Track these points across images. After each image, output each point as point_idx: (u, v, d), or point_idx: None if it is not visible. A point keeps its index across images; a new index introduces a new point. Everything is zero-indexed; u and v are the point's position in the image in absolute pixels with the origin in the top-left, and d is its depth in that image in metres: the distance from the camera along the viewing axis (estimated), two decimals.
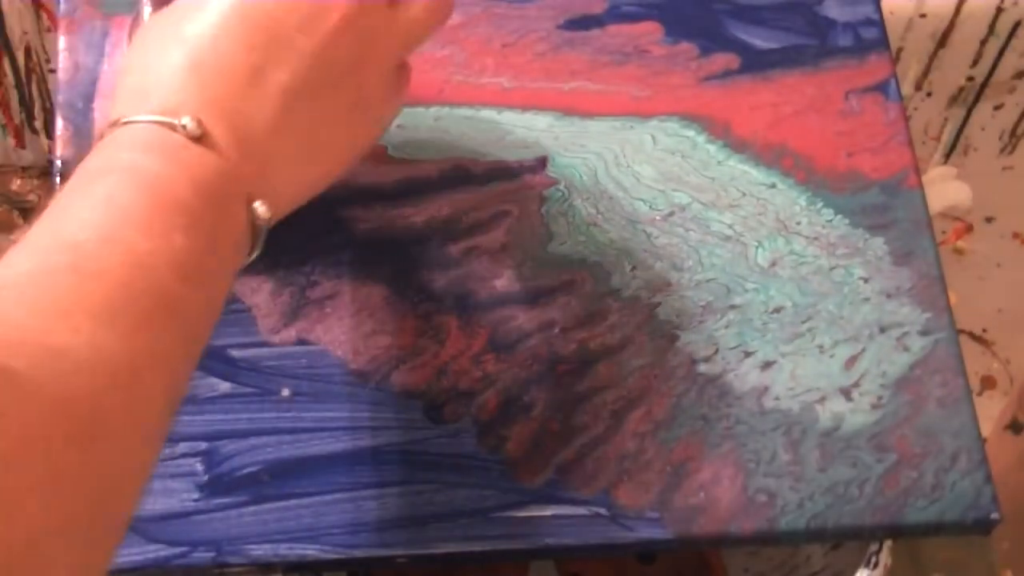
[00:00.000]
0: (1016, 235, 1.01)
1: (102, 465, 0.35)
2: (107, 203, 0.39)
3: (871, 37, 0.61)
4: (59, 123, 0.56)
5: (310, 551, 0.50)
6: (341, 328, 0.53)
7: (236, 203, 0.42)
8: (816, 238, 0.57)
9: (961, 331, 0.85)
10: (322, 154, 0.46)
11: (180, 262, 0.39)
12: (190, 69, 0.42)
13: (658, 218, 0.57)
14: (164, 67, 0.42)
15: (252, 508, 0.50)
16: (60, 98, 0.56)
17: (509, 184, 0.57)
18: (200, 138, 0.41)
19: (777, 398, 0.53)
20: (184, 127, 0.41)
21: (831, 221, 0.57)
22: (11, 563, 0.31)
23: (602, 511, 0.51)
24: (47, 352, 0.35)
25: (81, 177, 0.40)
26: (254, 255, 0.44)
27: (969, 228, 1.01)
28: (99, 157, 0.41)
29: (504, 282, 0.55)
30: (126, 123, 0.41)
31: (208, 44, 0.42)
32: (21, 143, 0.93)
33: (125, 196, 0.39)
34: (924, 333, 0.55)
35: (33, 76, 0.89)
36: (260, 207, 0.42)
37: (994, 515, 0.52)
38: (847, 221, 0.57)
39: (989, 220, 1.01)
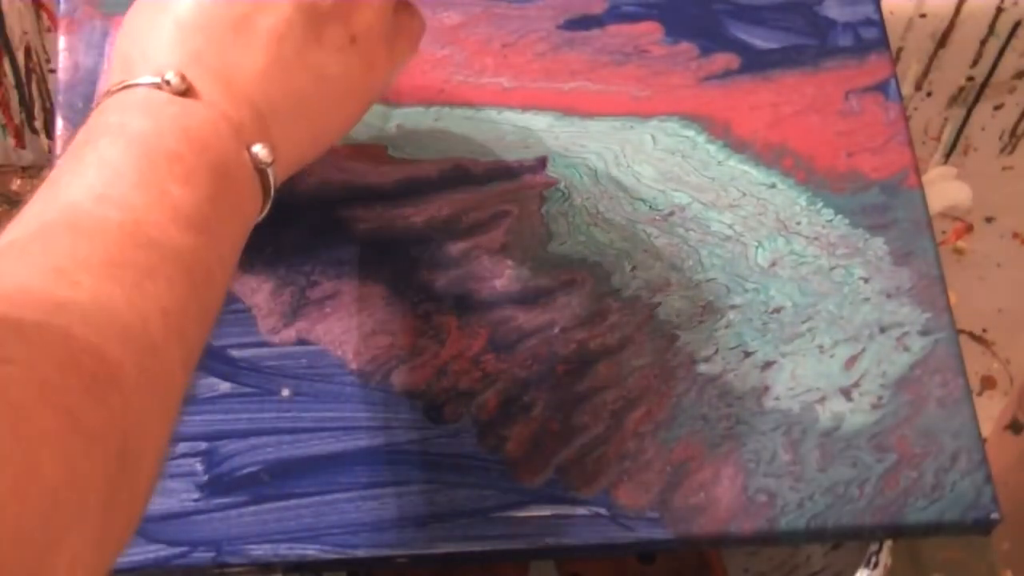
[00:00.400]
0: (1016, 235, 1.01)
1: (119, 418, 0.34)
2: (98, 164, 0.39)
3: (871, 37, 0.61)
4: (59, 123, 0.56)
5: (310, 551, 0.50)
6: (341, 328, 0.53)
7: (232, 149, 0.42)
8: (816, 238, 0.57)
9: (961, 331, 0.85)
10: (319, 103, 0.45)
11: (180, 212, 0.39)
12: (174, 30, 0.42)
13: (658, 218, 0.57)
14: (151, 35, 0.43)
15: (252, 508, 0.50)
16: (60, 98, 0.56)
17: (509, 184, 0.57)
18: (185, 92, 0.41)
19: (777, 398, 0.53)
20: (168, 83, 0.41)
21: (831, 221, 0.57)
22: (23, 515, 0.29)
23: (602, 511, 0.51)
24: (53, 306, 0.34)
25: (72, 147, 0.40)
26: (267, 207, 0.44)
27: (969, 228, 1.01)
28: (89, 126, 0.41)
29: (504, 282, 0.55)
30: (115, 91, 0.42)
31: (193, 4, 0.43)
32: (21, 143, 0.93)
33: (114, 155, 0.39)
34: (924, 333, 0.55)
35: (33, 76, 0.89)
36: (260, 150, 0.42)
37: (994, 515, 0.52)
38: (847, 221, 0.57)
39: (989, 220, 1.01)
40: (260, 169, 0.43)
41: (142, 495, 0.36)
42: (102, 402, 0.33)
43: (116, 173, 0.39)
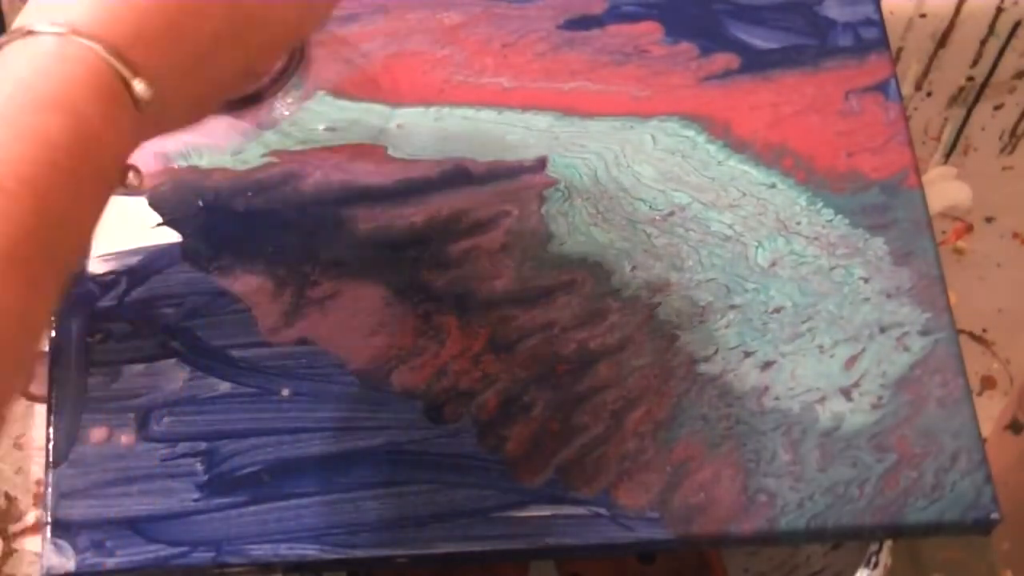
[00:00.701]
0: (1016, 235, 1.01)
1: None
2: (38, 144, 0.36)
3: (871, 37, 0.61)
4: None
5: (310, 551, 0.50)
6: (341, 328, 0.53)
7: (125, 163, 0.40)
8: (816, 238, 0.57)
9: (961, 331, 0.84)
10: (204, 29, 0.42)
11: (83, 220, 0.37)
12: (164, 13, 0.40)
13: (658, 218, 0.57)
14: None
15: (252, 508, 0.50)
16: None
17: (509, 184, 0.57)
18: (143, 105, 0.39)
19: (777, 398, 0.53)
20: (138, 92, 0.39)
21: (831, 221, 0.57)
22: None
23: (602, 511, 0.51)
24: None
25: (19, 95, 0.38)
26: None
27: (969, 228, 1.01)
28: (43, 76, 0.38)
29: (504, 282, 0.55)
30: (80, 40, 0.39)
31: None
32: None
33: (58, 140, 0.37)
34: (924, 333, 0.55)
35: None
36: (133, 178, 0.41)
37: (994, 515, 0.52)
38: (847, 221, 0.57)
39: (989, 220, 1.01)
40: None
41: None
42: None
43: None
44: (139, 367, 0.53)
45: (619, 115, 0.59)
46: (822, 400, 0.53)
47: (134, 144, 0.41)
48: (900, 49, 0.87)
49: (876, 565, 0.57)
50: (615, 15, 0.61)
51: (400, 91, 0.58)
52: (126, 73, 0.39)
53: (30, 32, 0.39)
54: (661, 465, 0.52)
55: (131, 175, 0.42)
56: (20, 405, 0.77)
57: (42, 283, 0.36)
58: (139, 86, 0.39)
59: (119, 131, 0.39)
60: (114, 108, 0.39)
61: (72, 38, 0.38)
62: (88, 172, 0.38)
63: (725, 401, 0.53)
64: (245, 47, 0.43)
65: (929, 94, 0.91)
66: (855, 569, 0.59)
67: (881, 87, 0.60)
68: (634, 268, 0.55)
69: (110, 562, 0.49)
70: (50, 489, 0.50)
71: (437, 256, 0.55)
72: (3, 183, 0.35)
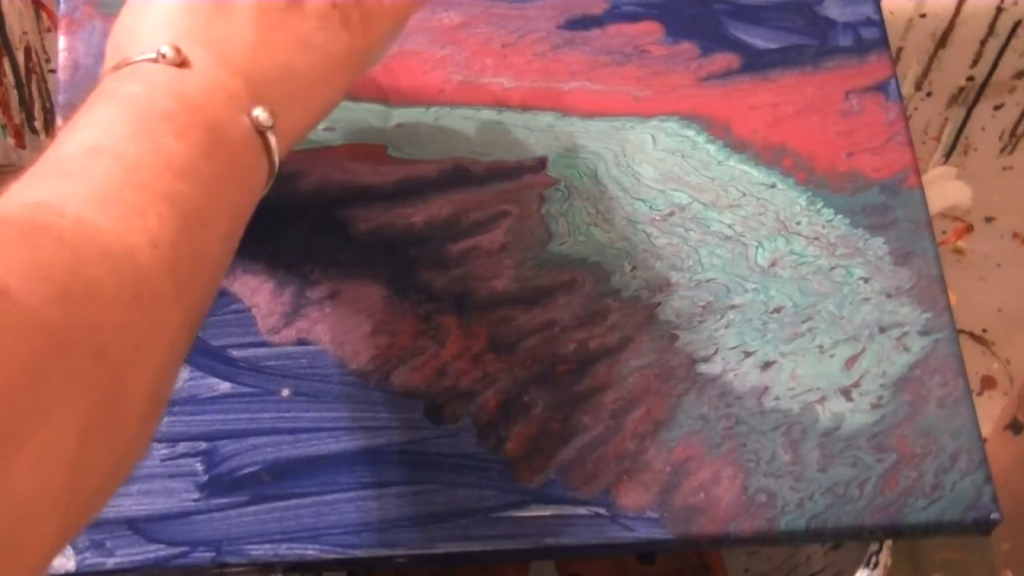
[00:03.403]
0: (1016, 235, 1.01)
1: (93, 328, 0.33)
2: (90, 123, 0.39)
3: (871, 37, 0.61)
4: (59, 123, 0.56)
5: (310, 551, 0.50)
6: (341, 328, 0.53)
7: (226, 113, 0.42)
8: (816, 238, 0.57)
9: (961, 331, 0.84)
10: (308, 71, 0.45)
11: (174, 162, 0.38)
12: (161, 14, 0.43)
13: (658, 218, 0.57)
14: (140, 21, 0.43)
15: (252, 508, 0.50)
16: (60, 98, 0.56)
17: (509, 184, 0.57)
18: (181, 64, 0.41)
19: (777, 398, 0.53)
20: (164, 56, 0.41)
21: (831, 221, 0.57)
22: None
23: (602, 511, 0.51)
24: (29, 228, 0.34)
25: (68, 123, 0.40)
26: (271, 178, 0.44)
27: (969, 228, 1.01)
28: (86, 103, 0.41)
29: (504, 282, 0.55)
30: (109, 71, 0.42)
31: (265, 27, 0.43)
32: (21, 143, 0.93)
33: (107, 114, 0.39)
34: (924, 333, 0.55)
35: (33, 76, 0.89)
36: (261, 113, 0.42)
37: (994, 515, 0.52)
38: (847, 221, 0.57)
39: (989, 220, 1.01)
40: (261, 132, 0.43)
41: (132, 413, 0.35)
42: (73, 310, 0.33)
43: (108, 128, 0.38)
44: None
45: (619, 115, 0.59)
46: (822, 400, 0.53)
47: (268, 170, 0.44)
48: (900, 49, 0.87)
49: (876, 565, 0.57)
50: (615, 15, 0.61)
51: (400, 91, 0.58)
52: (246, 104, 0.42)
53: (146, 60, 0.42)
54: (661, 465, 0.52)
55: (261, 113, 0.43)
56: None
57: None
58: (261, 113, 0.42)
59: (251, 170, 0.42)
60: (247, 139, 0.42)
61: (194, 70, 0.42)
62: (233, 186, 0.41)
63: (725, 401, 0.53)
64: (348, 76, 0.47)
65: (929, 94, 0.91)
66: (855, 569, 0.59)
67: (881, 87, 0.60)
68: (634, 268, 0.55)
69: (110, 562, 0.49)
70: None
71: (437, 256, 0.55)
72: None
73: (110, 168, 0.37)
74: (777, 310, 0.55)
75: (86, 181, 0.36)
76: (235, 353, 0.53)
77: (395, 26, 0.49)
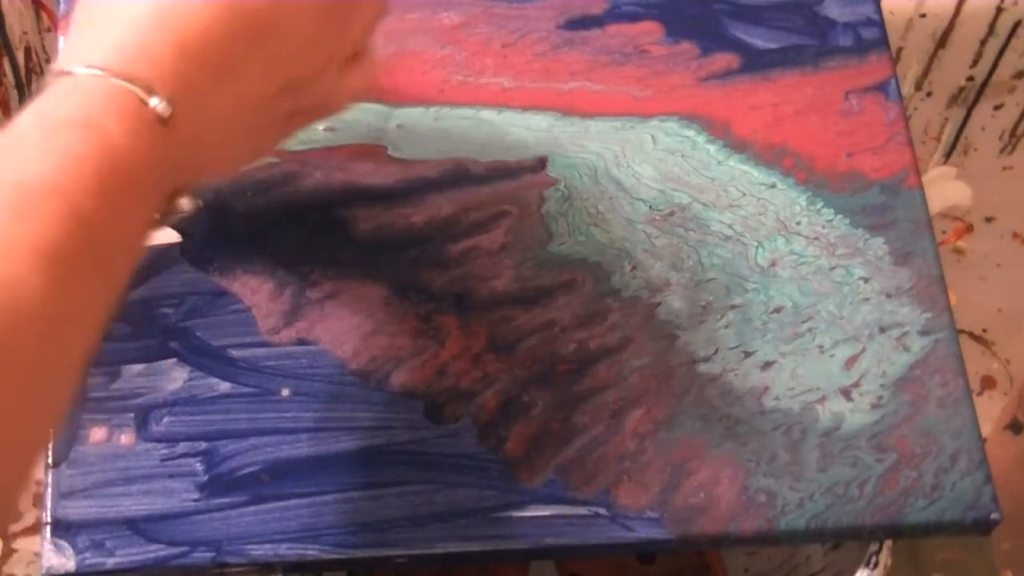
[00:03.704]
0: (1016, 235, 1.01)
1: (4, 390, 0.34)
2: (63, 156, 0.38)
3: (871, 37, 0.61)
4: None
5: (310, 551, 0.50)
6: (341, 328, 0.53)
7: (169, 187, 0.42)
8: (816, 238, 0.57)
9: (961, 331, 0.85)
10: (247, 149, 0.46)
11: (121, 229, 0.39)
12: (170, 33, 0.41)
13: (658, 218, 0.57)
14: (136, 10, 0.41)
15: (252, 508, 0.50)
16: None
17: (509, 184, 0.57)
18: (167, 120, 0.40)
19: (777, 398, 0.53)
20: (156, 109, 0.40)
21: (831, 221, 0.57)
22: None
23: (602, 511, 0.51)
24: None
25: (43, 122, 0.39)
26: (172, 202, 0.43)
27: (969, 228, 1.01)
28: (63, 104, 0.40)
29: (504, 282, 0.55)
30: (92, 72, 0.40)
31: (193, 11, 0.42)
32: None
33: (82, 152, 0.38)
34: (924, 333, 0.55)
35: (33, 76, 0.89)
36: (186, 203, 0.42)
37: (994, 515, 0.52)
38: (847, 221, 0.57)
39: (989, 220, 1.01)
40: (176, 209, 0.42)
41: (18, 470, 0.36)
42: None
43: (79, 175, 0.38)
44: (139, 367, 0.53)
45: (619, 115, 0.59)
46: (822, 400, 0.53)
47: (170, 162, 0.42)
48: (900, 49, 0.87)
49: (876, 565, 0.57)
50: (615, 15, 0.61)
51: (400, 91, 0.58)
52: (141, 93, 0.40)
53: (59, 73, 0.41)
54: (661, 465, 0.52)
55: (183, 200, 0.43)
56: None
57: (84, 282, 0.38)
58: (156, 102, 0.40)
59: (147, 146, 0.40)
60: (136, 123, 0.40)
61: (83, 70, 0.40)
62: (119, 184, 0.39)
63: (725, 401, 0.53)
64: (263, 47, 0.44)
65: (929, 94, 0.91)
66: (855, 569, 0.59)
67: (881, 87, 0.60)
68: (634, 268, 0.55)
69: (110, 562, 0.49)
70: (50, 489, 0.50)
71: (437, 256, 0.55)
72: (32, 190, 0.37)
73: (65, 219, 0.37)
74: (777, 310, 0.55)
75: (37, 230, 0.37)
76: (235, 353, 0.53)
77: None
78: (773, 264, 0.56)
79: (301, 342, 0.53)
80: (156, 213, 0.42)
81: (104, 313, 0.39)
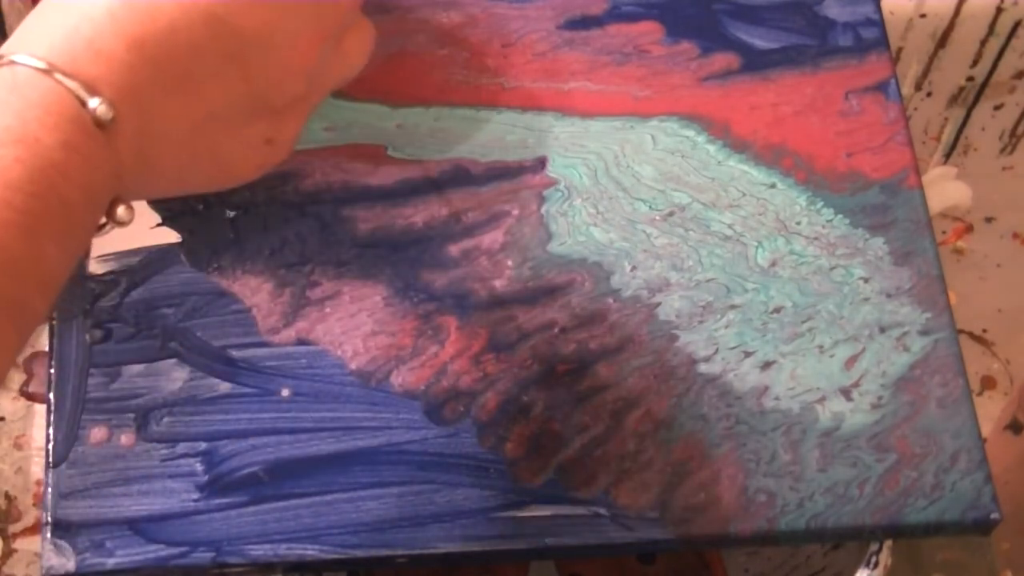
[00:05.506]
0: (1016, 235, 1.01)
1: None
2: None
3: (871, 37, 0.61)
4: None
5: (310, 551, 0.50)
6: (341, 328, 0.53)
7: (107, 198, 0.40)
8: (816, 238, 0.57)
9: (961, 331, 0.84)
10: (217, 172, 0.44)
11: (42, 274, 0.36)
12: (127, 29, 0.39)
13: (658, 218, 0.57)
14: (98, 3, 0.39)
15: (252, 508, 0.50)
16: None
17: (509, 184, 0.57)
18: (107, 124, 0.38)
19: (777, 398, 0.53)
20: (95, 111, 0.38)
21: (831, 221, 0.57)
22: None
23: (602, 511, 0.51)
24: None
25: None
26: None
27: (969, 228, 1.01)
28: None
29: (504, 282, 0.55)
30: (34, 63, 0.38)
31: (160, 11, 0.39)
32: None
33: (14, 173, 0.36)
34: (924, 333, 0.55)
35: None
36: (124, 213, 0.40)
37: (994, 515, 0.52)
38: (847, 221, 0.57)
39: (989, 220, 1.01)
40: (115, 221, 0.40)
41: None
42: None
43: (6, 195, 0.36)
44: (139, 367, 0.53)
45: (619, 115, 0.59)
46: (822, 400, 0.54)
47: (109, 170, 0.39)
48: (900, 49, 0.87)
49: (876, 565, 0.57)
50: (615, 15, 0.61)
51: (400, 91, 0.58)
52: (81, 92, 0.38)
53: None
54: (661, 465, 0.52)
55: (121, 210, 0.40)
56: (20, 405, 0.77)
57: None
58: (96, 103, 0.38)
59: (87, 161, 0.38)
60: (72, 133, 0.37)
61: (25, 59, 0.38)
62: (50, 207, 0.36)
63: (725, 401, 0.53)
64: (242, 66, 0.42)
65: (929, 94, 0.91)
66: (855, 569, 0.59)
67: (881, 87, 0.60)
68: (634, 268, 0.55)
69: (110, 562, 0.49)
70: (50, 489, 0.51)
71: (437, 256, 0.55)
72: None
73: None
74: (777, 310, 0.55)
75: None
76: (235, 353, 0.53)
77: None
78: (773, 264, 0.56)
79: (301, 342, 0.53)
80: (91, 228, 0.39)
81: (11, 345, 0.36)
